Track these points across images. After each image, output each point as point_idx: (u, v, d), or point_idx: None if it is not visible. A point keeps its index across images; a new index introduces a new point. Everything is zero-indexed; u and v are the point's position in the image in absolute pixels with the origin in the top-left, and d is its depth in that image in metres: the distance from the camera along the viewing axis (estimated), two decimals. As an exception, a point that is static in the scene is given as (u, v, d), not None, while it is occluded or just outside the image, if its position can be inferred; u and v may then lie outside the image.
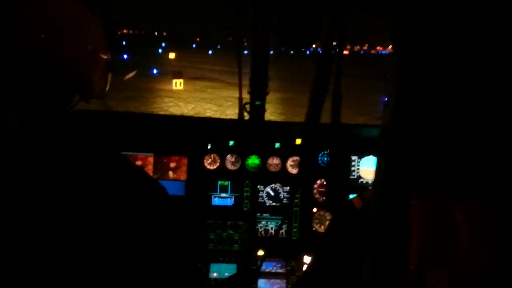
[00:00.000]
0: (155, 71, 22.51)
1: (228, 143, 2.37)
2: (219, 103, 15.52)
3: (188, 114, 13.71)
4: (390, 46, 0.69)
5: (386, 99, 0.72)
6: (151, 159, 2.31)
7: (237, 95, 2.51)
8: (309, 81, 0.93)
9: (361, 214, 1.11)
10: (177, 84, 17.45)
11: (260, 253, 2.31)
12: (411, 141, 0.68)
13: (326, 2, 0.80)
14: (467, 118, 0.66)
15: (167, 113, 13.53)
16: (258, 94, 2.42)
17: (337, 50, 0.90)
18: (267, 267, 2.29)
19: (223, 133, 2.38)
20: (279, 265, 2.29)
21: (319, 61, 0.86)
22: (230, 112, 14.18)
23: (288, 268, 2.28)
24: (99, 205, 0.93)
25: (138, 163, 2.30)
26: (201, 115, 13.80)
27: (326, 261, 1.12)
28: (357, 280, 0.83)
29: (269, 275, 2.28)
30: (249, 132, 2.41)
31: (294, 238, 2.35)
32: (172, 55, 33.10)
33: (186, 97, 16.60)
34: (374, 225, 0.76)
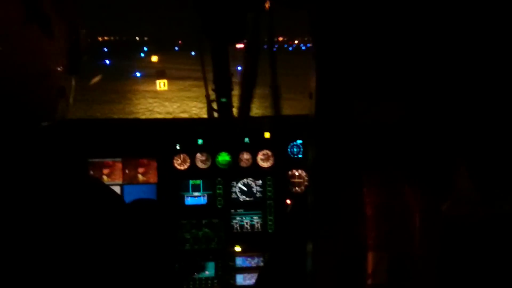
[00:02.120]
0: (138, 73, 22.32)
1: (197, 142, 2.37)
2: (205, 101, 15.46)
3: (174, 113, 13.78)
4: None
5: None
6: (119, 164, 2.29)
7: None
8: (293, 74, 0.93)
9: None
10: (161, 84, 17.27)
11: (237, 248, 2.32)
12: (334, 130, 0.69)
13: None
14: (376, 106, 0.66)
15: (153, 113, 13.59)
16: (223, 91, 2.41)
17: (271, 44, 0.90)
18: (244, 262, 2.30)
19: (191, 133, 2.37)
20: (257, 259, 2.30)
21: (246, 56, 0.86)
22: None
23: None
24: (51, 218, 0.91)
25: (106, 169, 2.28)
26: (188, 113, 13.87)
27: (281, 254, 1.13)
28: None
29: (248, 270, 2.30)
30: (217, 130, 2.40)
31: (270, 231, 2.36)
32: (154, 58, 32.81)
33: (171, 97, 16.60)
34: (311, 212, 0.77)
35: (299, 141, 2.40)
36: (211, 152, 2.37)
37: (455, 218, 0.79)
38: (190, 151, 2.35)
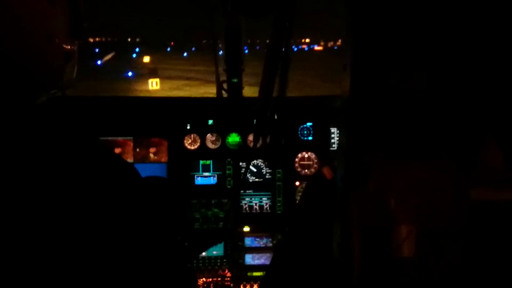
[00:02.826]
0: (130, 73, 22.26)
1: (207, 122, 2.37)
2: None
3: None
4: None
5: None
6: (130, 143, 2.30)
7: (215, 91, 2.50)
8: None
9: (332, 184, 1.13)
10: (153, 83, 17.18)
11: (246, 229, 2.34)
12: (368, 102, 0.69)
13: None
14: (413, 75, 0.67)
15: None
16: (234, 71, 2.40)
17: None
18: (253, 242, 2.32)
19: (202, 113, 2.37)
20: (265, 239, 2.32)
21: (274, 27, 0.86)
22: None
23: (275, 242, 2.32)
24: (66, 191, 0.92)
25: (118, 147, 2.29)
26: None
27: (300, 233, 1.14)
28: (327, 249, 0.85)
29: (256, 250, 2.32)
30: (228, 110, 2.40)
31: (278, 212, 2.38)
32: (146, 59, 32.67)
33: (163, 95, 16.59)
34: (340, 190, 0.78)
35: (309, 124, 2.40)
36: (221, 132, 2.37)
37: (484, 204, 0.79)
38: (201, 131, 2.36)
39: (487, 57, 0.67)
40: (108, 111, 2.32)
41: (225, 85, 2.47)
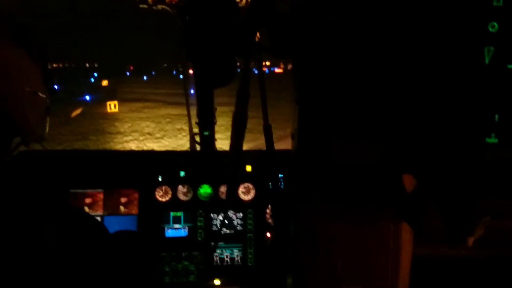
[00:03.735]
0: (87, 97, 22.25)
1: (179, 174, 2.39)
2: (157, 121, 15.85)
3: (125, 132, 13.93)
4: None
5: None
6: (101, 195, 2.29)
7: (176, 113, 2.57)
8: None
9: None
10: (111, 106, 17.10)
11: (217, 282, 2.32)
12: (313, 169, 0.74)
13: (235, 47, 0.87)
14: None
15: (103, 133, 13.77)
16: (206, 124, 2.47)
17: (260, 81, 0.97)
18: (223, 296, 2.29)
19: (173, 165, 2.40)
20: (236, 293, 2.30)
21: (238, 97, 0.92)
22: (169, 128, 14.51)
23: (245, 295, 2.29)
24: (33, 245, 0.93)
25: (88, 199, 2.28)
26: (139, 132, 14.07)
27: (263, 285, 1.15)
28: None
29: (227, 304, 2.29)
30: (199, 162, 2.44)
31: (249, 264, 2.36)
32: (105, 82, 32.85)
33: (122, 117, 16.70)
34: (290, 246, 0.81)
35: (280, 175, 2.44)
36: (193, 184, 2.39)
37: (425, 258, 0.84)
38: (172, 183, 2.37)
39: (421, 125, 0.73)
40: (78, 164, 2.32)
41: (197, 138, 2.53)
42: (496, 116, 0.64)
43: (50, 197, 1.12)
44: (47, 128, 1.19)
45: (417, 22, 0.63)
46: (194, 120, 2.50)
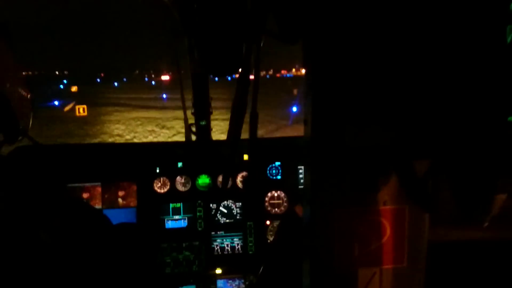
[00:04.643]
0: (56, 102, 22.18)
1: (177, 165, 2.38)
2: (128, 123, 15.98)
3: (95, 135, 14.06)
4: (294, 69, 0.75)
5: (304, 118, 0.78)
6: (99, 189, 2.28)
7: (146, 116, 2.56)
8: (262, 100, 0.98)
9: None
10: (80, 110, 16.97)
11: (218, 271, 2.33)
12: (327, 154, 0.74)
13: (244, 31, 0.85)
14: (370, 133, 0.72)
15: (71, 135, 13.88)
16: (202, 114, 2.46)
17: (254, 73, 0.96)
18: (225, 285, 2.30)
19: (171, 156, 2.39)
20: (238, 281, 2.31)
21: (238, 84, 0.91)
22: (140, 130, 14.73)
23: (247, 283, 2.31)
24: (37, 240, 0.92)
25: (86, 193, 2.26)
26: (108, 134, 14.17)
27: (274, 272, 1.17)
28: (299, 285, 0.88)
29: (229, 292, 2.30)
30: (197, 152, 2.43)
31: (250, 252, 2.38)
32: (74, 88, 32.72)
33: (91, 120, 16.75)
34: (306, 232, 0.82)
35: (277, 163, 2.45)
36: (191, 175, 2.39)
37: (441, 241, 0.85)
38: (170, 174, 2.37)
39: (437, 106, 0.73)
40: (76, 157, 2.30)
41: (193, 128, 2.52)
42: None
43: (49, 192, 1.11)
44: (30, 124, 1.18)
45: (436, 0, 0.63)
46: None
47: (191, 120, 2.54)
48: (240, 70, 0.90)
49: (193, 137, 2.58)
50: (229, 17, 0.88)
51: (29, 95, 1.14)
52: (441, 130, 0.72)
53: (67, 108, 17.53)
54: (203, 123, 2.48)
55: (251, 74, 0.93)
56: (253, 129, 0.99)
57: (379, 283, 0.81)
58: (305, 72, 0.75)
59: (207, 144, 2.53)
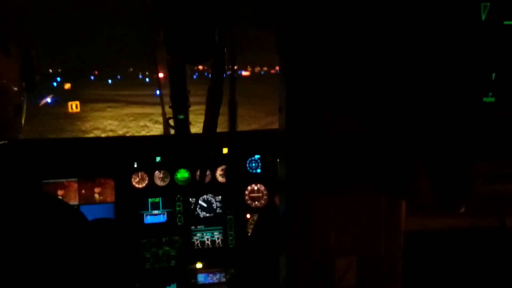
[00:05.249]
0: (49, 99, 21.85)
1: (155, 159, 2.35)
2: (121, 119, 15.99)
3: (87, 131, 13.98)
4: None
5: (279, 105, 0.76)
6: (74, 185, 2.23)
7: (139, 111, 2.52)
8: (249, 95, 0.96)
9: None
10: (73, 106, 16.69)
11: (199, 265, 2.31)
12: (303, 142, 0.73)
13: (216, 16, 0.83)
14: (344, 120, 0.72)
15: (63, 131, 13.80)
16: (180, 108, 2.43)
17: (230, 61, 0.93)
18: (206, 279, 2.29)
19: (149, 150, 2.35)
20: (218, 275, 2.30)
21: (213, 72, 0.89)
22: (133, 125, 14.73)
23: (228, 277, 2.30)
24: (12, 239, 0.89)
25: (61, 190, 2.21)
26: (101, 130, 14.15)
27: (253, 265, 1.16)
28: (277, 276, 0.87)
29: (210, 287, 2.29)
30: (175, 146, 2.40)
31: (231, 246, 2.37)
32: (67, 85, 32.13)
33: (83, 116, 16.70)
34: (282, 222, 0.81)
35: (257, 156, 2.44)
36: (170, 169, 2.36)
37: (418, 229, 0.85)
38: (148, 168, 2.33)
39: (413, 90, 0.72)
40: (50, 153, 2.24)
41: (171, 122, 2.49)
42: (493, 75, 0.64)
43: (23, 188, 1.08)
44: (20, 127, 1.13)
45: None
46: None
47: (170, 115, 2.51)
48: (214, 56, 0.88)
49: (172, 131, 2.55)
50: (201, 1, 0.85)
51: (21, 101, 1.09)
52: (417, 115, 0.72)
53: (42, 103, 17.19)
54: (181, 117, 2.45)
55: (227, 62, 0.91)
56: (232, 119, 0.97)
57: (356, 272, 0.81)
58: (280, 57, 0.74)
59: (186, 138, 2.50)
